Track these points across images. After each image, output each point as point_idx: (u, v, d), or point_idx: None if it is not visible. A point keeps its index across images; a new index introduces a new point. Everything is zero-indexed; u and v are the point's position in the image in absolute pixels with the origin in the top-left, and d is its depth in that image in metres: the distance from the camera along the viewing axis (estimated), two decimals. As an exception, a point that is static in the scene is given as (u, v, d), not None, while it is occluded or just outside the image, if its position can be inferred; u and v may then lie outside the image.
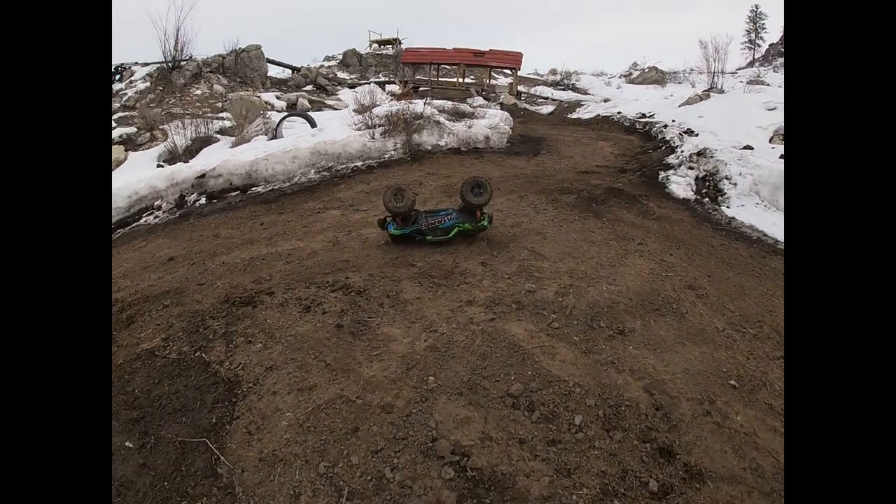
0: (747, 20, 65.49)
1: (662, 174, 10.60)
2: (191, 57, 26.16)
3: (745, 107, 17.29)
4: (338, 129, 14.42)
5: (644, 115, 20.08)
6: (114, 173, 15.17)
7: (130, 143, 17.49)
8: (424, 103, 15.51)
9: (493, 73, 33.44)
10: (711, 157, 10.41)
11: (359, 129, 13.84)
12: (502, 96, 25.09)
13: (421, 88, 28.51)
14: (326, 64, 37.24)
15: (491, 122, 15.06)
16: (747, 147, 12.43)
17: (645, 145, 14.90)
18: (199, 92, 24.03)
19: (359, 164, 12.80)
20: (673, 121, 17.35)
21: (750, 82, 32.75)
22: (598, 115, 21.56)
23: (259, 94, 23.37)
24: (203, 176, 11.48)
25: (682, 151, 11.71)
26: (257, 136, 16.24)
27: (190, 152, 15.48)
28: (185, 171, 11.69)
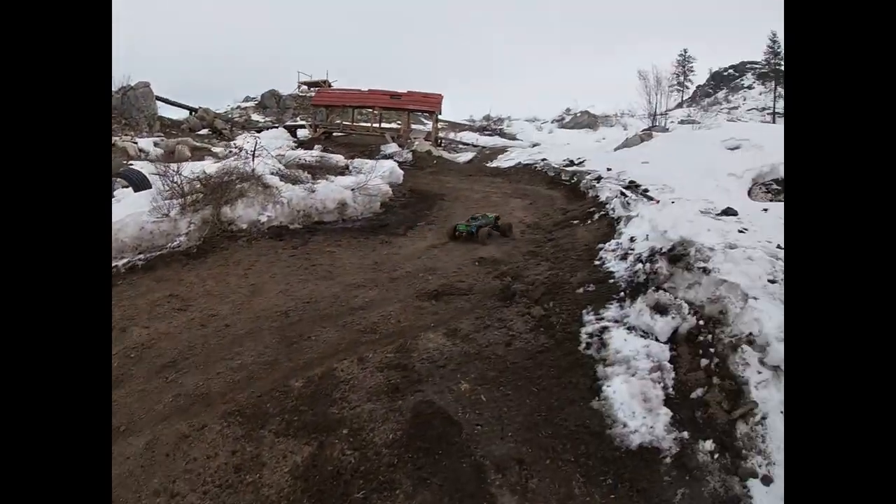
0: (676, 63, 62.99)
1: (590, 321, 4.44)
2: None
3: (701, 148, 12.14)
4: (137, 200, 9.01)
5: (572, 162, 14.99)
6: None
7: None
8: (259, 153, 10.10)
9: (422, 118, 28.58)
10: (702, 267, 4.44)
11: (167, 199, 8.45)
12: (416, 143, 19.95)
13: (335, 134, 23.27)
14: (244, 105, 31.84)
15: (357, 181, 9.72)
16: (728, 211, 7.20)
17: (569, 208, 9.68)
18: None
19: (122, 262, 7.22)
20: (609, 169, 12.18)
21: (683, 122, 28.88)
22: (520, 164, 16.44)
23: (136, 140, 17.80)
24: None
25: (626, 238, 6.13)
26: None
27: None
28: None
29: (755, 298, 3.91)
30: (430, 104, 22.04)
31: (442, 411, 3.31)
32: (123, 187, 11.05)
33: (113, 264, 7.22)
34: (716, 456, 3.13)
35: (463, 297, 5.06)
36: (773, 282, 4.06)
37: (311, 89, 32.79)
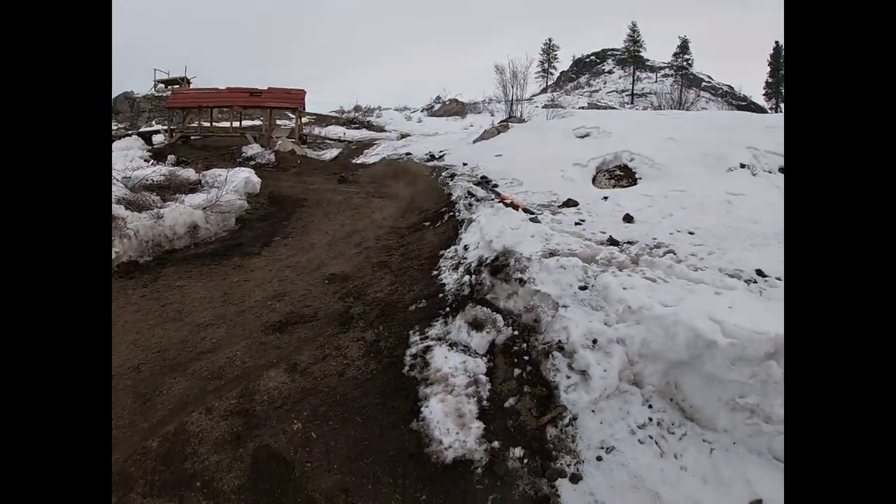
0: (541, 52, 66.02)
1: (415, 342, 4.69)
2: None
3: (552, 138, 12.91)
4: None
5: (433, 157, 15.51)
6: None
7: None
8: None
9: (288, 114, 27.73)
10: (519, 278, 4.89)
11: None
12: (279, 142, 19.52)
13: (193, 137, 22.06)
14: (90, 112, 29.27)
15: (209, 198, 9.48)
16: (569, 203, 7.88)
17: (426, 207, 10.14)
18: None
19: None
20: (465, 164, 12.71)
21: (546, 106, 30.43)
22: (385, 159, 16.75)
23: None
24: None
25: (462, 246, 6.47)
26: None
27: None
28: None
29: (565, 307, 4.39)
30: (292, 100, 21.56)
31: (277, 454, 3.59)
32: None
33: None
34: (525, 461, 3.52)
35: (307, 325, 5.31)
36: (583, 288, 4.54)
37: (169, 88, 30.43)
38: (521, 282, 4.88)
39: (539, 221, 6.63)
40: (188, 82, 30.29)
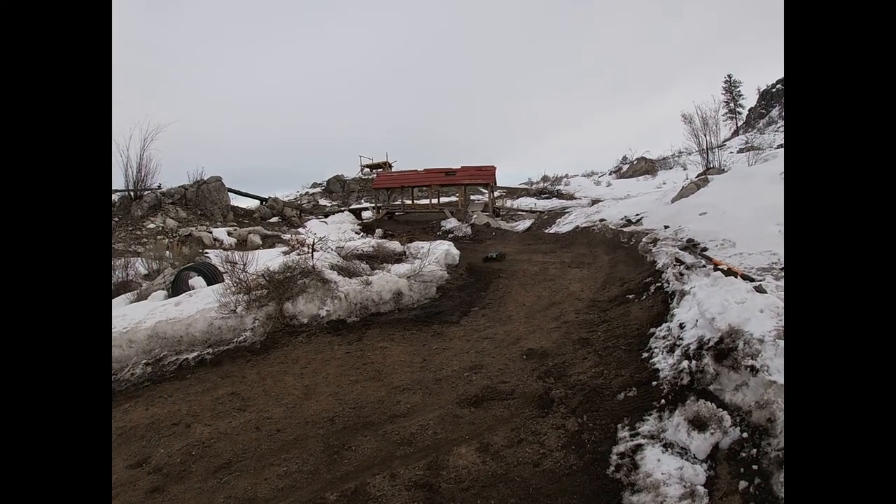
0: (723, 91, 60.77)
1: (624, 438, 4.08)
2: (159, 186, 22.11)
3: (758, 186, 11.52)
4: (208, 295, 9.65)
5: (629, 221, 14.72)
6: None
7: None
8: (317, 247, 10.64)
9: (480, 188, 29.11)
10: (750, 365, 4.00)
11: (234, 295, 9.00)
12: (474, 216, 20.33)
13: (397, 213, 24.21)
14: (311, 191, 33.83)
15: (412, 268, 9.99)
16: None
17: (627, 277, 9.36)
18: (152, 225, 19.62)
19: (192, 354, 7.75)
20: (666, 226, 11.88)
21: (742, 150, 27.37)
22: (578, 227, 16.29)
23: (211, 230, 19.09)
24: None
25: (676, 323, 5.69)
26: (157, 290, 11.50)
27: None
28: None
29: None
30: (484, 177, 22.61)
31: (459, 542, 3.25)
32: (198, 275, 11.76)
33: (184, 357, 7.71)
34: None
35: (503, 403, 4.97)
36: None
37: (373, 171, 34.41)
38: (753, 370, 4.00)
39: (765, 291, 5.61)
40: (390, 166, 34.08)
